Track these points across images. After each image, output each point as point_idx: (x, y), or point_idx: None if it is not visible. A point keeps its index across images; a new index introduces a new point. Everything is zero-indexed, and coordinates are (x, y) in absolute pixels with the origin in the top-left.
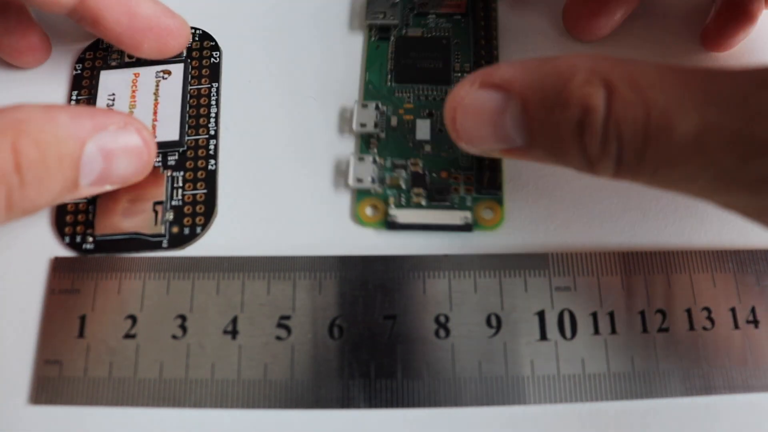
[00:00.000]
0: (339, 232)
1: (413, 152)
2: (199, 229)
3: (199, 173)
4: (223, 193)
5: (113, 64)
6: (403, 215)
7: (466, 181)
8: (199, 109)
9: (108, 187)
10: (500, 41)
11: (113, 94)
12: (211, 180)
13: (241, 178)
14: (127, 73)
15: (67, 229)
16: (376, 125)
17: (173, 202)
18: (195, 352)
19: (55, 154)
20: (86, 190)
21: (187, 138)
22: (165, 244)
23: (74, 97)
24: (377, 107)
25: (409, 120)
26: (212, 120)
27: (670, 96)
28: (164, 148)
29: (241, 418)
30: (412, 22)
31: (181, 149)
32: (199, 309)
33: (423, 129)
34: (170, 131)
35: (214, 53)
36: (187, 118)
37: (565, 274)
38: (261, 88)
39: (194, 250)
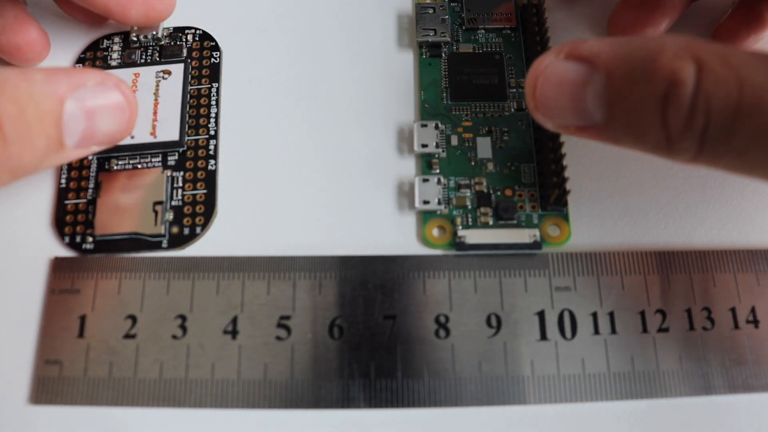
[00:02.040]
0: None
1: (476, 171)
2: (198, 230)
3: (199, 173)
4: (223, 193)
5: (113, 64)
6: (471, 236)
7: (531, 198)
8: (199, 109)
9: (95, 148)
10: None
11: None
12: (211, 180)
13: (241, 178)
14: (127, 73)
15: (66, 229)
16: (437, 145)
17: (173, 202)
18: (195, 352)
19: (33, 111)
20: (73, 153)
21: (187, 138)
22: (165, 244)
23: None
24: (437, 126)
25: (468, 138)
26: (212, 120)
27: (765, 74)
28: (164, 148)
29: (241, 418)
30: (462, 37)
31: (181, 149)
32: (199, 309)
33: (484, 147)
34: (170, 131)
35: (214, 53)
36: (187, 118)
37: (565, 274)
38: (261, 89)
39: (194, 250)
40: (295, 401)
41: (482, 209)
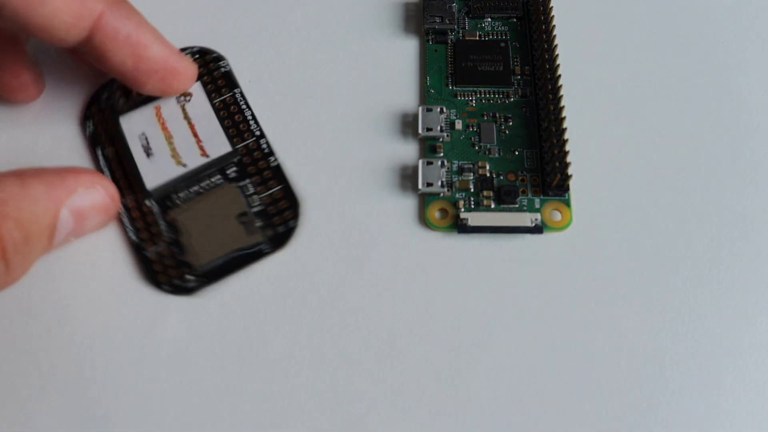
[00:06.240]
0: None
1: (479, 155)
2: (292, 223)
3: (265, 173)
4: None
5: (125, 108)
6: (473, 218)
7: (533, 182)
8: (234, 116)
9: (72, 240)
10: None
11: (143, 134)
12: (279, 174)
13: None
14: (147, 110)
15: (161, 278)
16: (441, 129)
17: (255, 209)
18: None
19: (35, 231)
20: (55, 248)
21: (237, 146)
22: (267, 249)
23: (100, 154)
24: (441, 111)
25: (472, 123)
26: (251, 122)
27: None
28: (220, 163)
29: None
30: (468, 25)
31: (236, 158)
32: None
33: (488, 132)
34: (219, 146)
35: (220, 63)
36: (228, 129)
37: None
38: (276, 82)
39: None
40: None
41: (485, 192)
